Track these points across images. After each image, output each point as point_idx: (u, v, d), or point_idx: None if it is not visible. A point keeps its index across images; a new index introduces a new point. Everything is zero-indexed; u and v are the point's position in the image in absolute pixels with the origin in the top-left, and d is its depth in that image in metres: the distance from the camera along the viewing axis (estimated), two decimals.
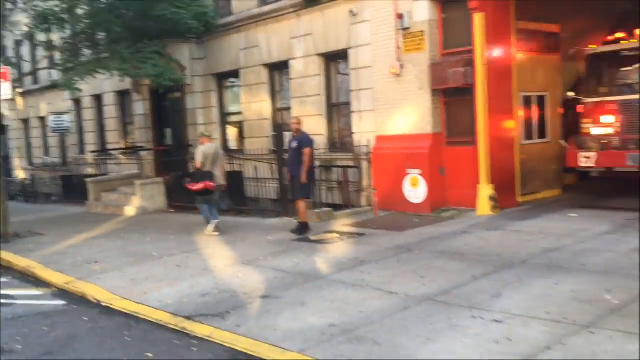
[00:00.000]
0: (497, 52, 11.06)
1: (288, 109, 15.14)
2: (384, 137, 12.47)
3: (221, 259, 8.98)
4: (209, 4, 15.01)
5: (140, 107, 19.45)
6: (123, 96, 21.25)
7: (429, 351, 4.94)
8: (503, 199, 11.09)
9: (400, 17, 11.83)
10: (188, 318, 6.34)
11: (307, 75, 14.27)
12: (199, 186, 10.90)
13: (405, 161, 11.90)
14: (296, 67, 14.52)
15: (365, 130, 12.96)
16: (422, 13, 11.60)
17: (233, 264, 8.61)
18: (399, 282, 6.97)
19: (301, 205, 10.41)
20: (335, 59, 13.93)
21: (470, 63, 10.92)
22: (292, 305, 6.47)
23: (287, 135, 14.83)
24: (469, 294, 6.29)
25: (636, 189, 10.49)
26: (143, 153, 18.70)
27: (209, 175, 10.97)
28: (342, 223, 11.21)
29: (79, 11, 15.21)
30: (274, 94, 15.67)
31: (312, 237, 10.06)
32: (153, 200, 15.58)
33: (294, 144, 10.46)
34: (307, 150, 10.30)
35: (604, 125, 10.93)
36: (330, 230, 10.54)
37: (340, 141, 13.94)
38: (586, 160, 10.67)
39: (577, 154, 10.94)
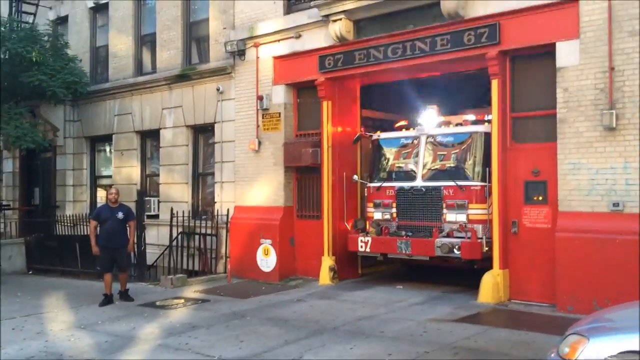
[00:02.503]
0: (342, 136, 12.24)
1: (157, 175, 15.66)
2: (242, 207, 13.24)
3: (60, 323, 9.18)
4: (79, 73, 15.46)
5: (9, 164, 19.18)
6: None
7: None
8: (345, 271, 12.04)
9: (260, 98, 12.87)
10: None
11: (175, 145, 14.94)
12: None
13: (259, 231, 12.68)
14: (166, 136, 15.17)
15: (226, 200, 13.68)
16: (280, 96, 12.72)
17: (69, 328, 8.84)
18: (219, 346, 7.57)
19: (124, 276, 10.97)
20: (203, 131, 14.73)
21: (318, 144, 12.06)
22: None
23: (152, 202, 15.35)
24: (275, 356, 7.01)
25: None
26: (8, 212, 18.32)
27: None
28: (194, 289, 11.68)
29: None
30: (144, 160, 16.17)
31: (158, 303, 10.47)
32: (11, 261, 15.25)
33: (120, 215, 10.64)
34: (134, 223, 11.13)
35: (383, 210, 11.09)
36: (178, 296, 10.99)
37: (204, 209, 14.56)
38: (363, 244, 10.81)
39: (356, 238, 10.98)
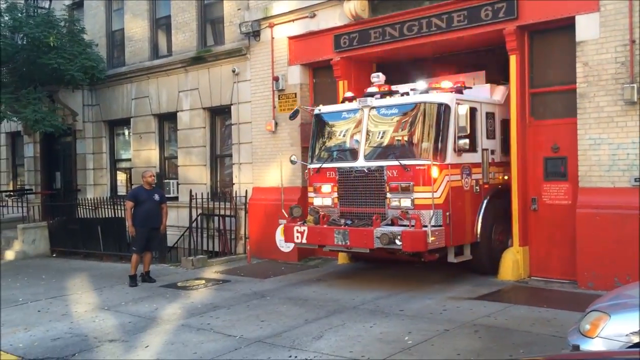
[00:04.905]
0: None
1: (175, 157, 15.77)
2: (260, 188, 13.30)
3: (84, 305, 9.36)
4: (96, 58, 15.55)
5: (30, 149, 19.42)
6: (15, 138, 21.14)
7: None
8: None
9: (276, 79, 12.84)
10: None
11: (193, 127, 14.99)
12: None
13: (277, 212, 12.66)
14: (183, 118, 15.23)
15: (244, 181, 13.75)
16: (295, 77, 12.68)
17: (93, 309, 9.01)
18: (240, 325, 7.66)
19: (150, 257, 11.19)
20: (219, 113, 14.76)
21: None
22: (135, 348, 7.02)
23: (172, 184, 15.48)
24: (296, 336, 7.07)
25: None
26: (31, 196, 18.61)
27: None
28: (214, 270, 11.81)
29: None
30: (162, 143, 16.27)
31: (179, 284, 10.61)
32: (34, 245, 15.55)
33: (157, 197, 10.97)
34: (166, 206, 11.24)
35: (324, 195, 9.70)
36: (199, 277, 11.12)
37: (222, 191, 14.65)
38: (299, 235, 9.44)
39: (292, 228, 9.61)
